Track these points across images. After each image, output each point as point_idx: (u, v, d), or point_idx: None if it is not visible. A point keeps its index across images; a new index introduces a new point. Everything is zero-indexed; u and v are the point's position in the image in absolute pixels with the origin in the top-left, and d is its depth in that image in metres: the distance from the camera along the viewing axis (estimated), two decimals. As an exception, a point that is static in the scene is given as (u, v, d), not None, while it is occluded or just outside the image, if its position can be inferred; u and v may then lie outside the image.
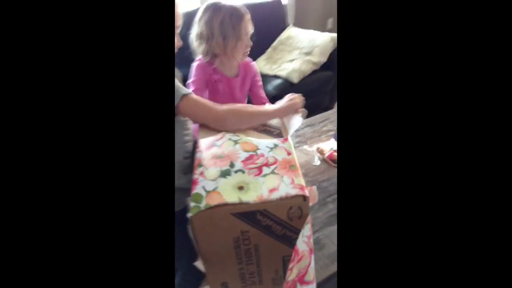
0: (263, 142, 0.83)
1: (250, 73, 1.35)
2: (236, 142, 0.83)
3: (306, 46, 2.44)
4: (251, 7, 1.25)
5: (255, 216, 0.67)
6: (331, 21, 3.29)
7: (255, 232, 0.68)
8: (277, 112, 0.94)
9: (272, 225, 0.68)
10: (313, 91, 2.38)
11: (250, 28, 1.21)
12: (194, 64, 1.27)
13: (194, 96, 0.85)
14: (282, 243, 0.71)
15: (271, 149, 0.80)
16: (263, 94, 1.40)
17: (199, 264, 0.80)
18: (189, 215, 0.66)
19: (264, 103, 1.35)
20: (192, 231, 0.68)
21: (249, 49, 1.25)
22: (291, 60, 2.37)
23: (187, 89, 0.85)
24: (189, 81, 1.24)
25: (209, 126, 0.89)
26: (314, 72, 2.41)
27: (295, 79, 2.25)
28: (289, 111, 0.95)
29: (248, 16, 1.19)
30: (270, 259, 0.73)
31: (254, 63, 1.38)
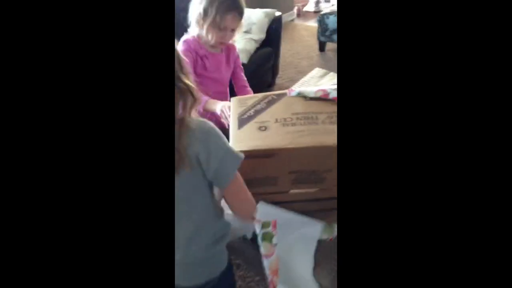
0: None
1: (233, 54, 1.36)
2: None
3: (243, 24, 2.44)
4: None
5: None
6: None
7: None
8: None
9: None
10: (258, 68, 2.41)
11: (233, 26, 1.19)
12: (181, 46, 1.21)
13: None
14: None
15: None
16: (244, 77, 1.42)
17: None
18: None
19: (245, 86, 1.36)
20: None
21: (224, 41, 1.23)
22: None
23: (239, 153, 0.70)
24: None
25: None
26: (256, 49, 2.44)
27: (245, 59, 2.25)
28: None
29: (235, 14, 1.17)
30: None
31: (236, 46, 1.38)
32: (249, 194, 0.73)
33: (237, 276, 1.33)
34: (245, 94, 1.30)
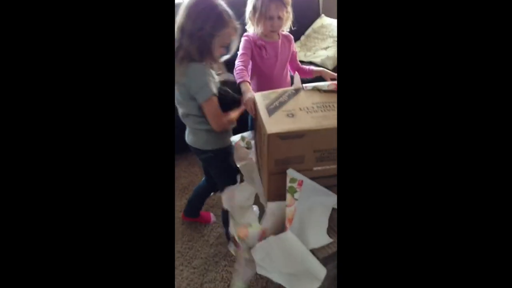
0: None
1: (290, 42, 1.59)
2: None
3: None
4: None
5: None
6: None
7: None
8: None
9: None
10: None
11: (279, 14, 1.43)
12: (243, 39, 1.50)
13: (215, 100, 1.22)
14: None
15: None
16: (298, 62, 1.65)
17: None
18: None
19: (300, 67, 1.61)
20: None
21: (273, 29, 1.47)
22: (326, 48, 2.54)
23: (213, 91, 1.21)
24: (239, 52, 1.46)
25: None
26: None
27: (330, 65, 2.42)
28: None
29: (278, 3, 1.41)
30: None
31: (292, 37, 1.61)
32: (218, 119, 1.24)
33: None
34: (302, 72, 1.59)
